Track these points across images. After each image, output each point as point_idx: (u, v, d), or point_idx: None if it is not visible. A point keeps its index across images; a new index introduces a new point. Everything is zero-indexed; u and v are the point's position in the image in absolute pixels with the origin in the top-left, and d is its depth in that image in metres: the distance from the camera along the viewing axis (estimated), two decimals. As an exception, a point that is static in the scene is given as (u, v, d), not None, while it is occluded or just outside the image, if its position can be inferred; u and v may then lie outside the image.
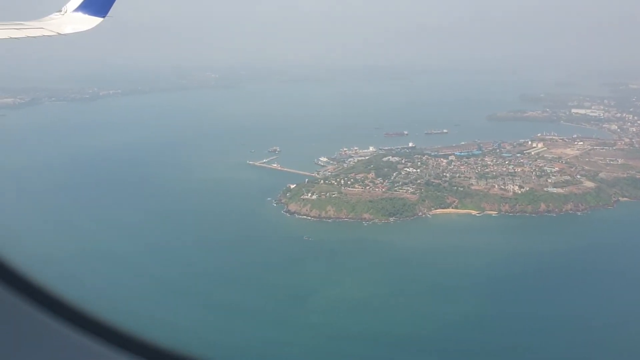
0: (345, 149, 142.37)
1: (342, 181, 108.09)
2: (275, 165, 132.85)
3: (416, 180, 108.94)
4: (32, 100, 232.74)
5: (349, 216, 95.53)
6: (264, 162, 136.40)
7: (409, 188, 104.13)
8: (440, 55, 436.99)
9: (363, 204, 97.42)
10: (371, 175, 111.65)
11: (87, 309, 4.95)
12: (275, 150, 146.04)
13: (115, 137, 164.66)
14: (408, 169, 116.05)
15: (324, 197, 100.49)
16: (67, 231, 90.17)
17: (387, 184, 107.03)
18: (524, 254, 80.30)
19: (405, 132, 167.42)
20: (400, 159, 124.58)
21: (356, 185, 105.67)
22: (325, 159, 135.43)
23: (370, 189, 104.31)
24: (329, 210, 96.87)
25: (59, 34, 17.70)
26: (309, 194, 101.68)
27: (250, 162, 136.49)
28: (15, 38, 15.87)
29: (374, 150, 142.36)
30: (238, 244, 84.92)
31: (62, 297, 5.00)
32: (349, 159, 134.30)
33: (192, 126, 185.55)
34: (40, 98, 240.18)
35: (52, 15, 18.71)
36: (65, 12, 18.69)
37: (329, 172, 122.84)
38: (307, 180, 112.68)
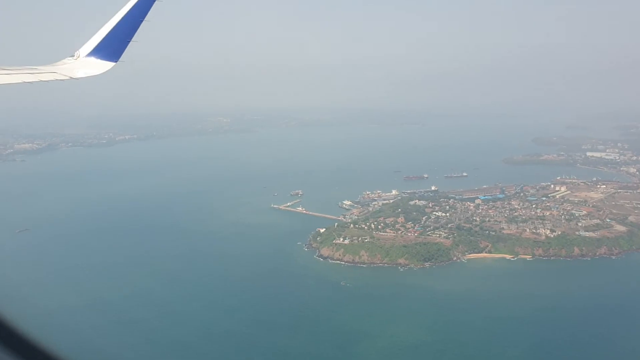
0: (368, 193, 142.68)
1: (373, 225, 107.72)
2: (300, 208, 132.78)
3: (447, 225, 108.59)
4: (50, 146, 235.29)
5: (383, 261, 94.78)
6: (288, 206, 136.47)
7: (441, 232, 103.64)
8: (448, 99, 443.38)
9: (397, 249, 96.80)
10: (401, 219, 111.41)
11: None
12: (297, 194, 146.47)
13: (137, 183, 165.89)
14: (437, 213, 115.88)
15: (356, 241, 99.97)
16: (105, 277, 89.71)
17: (419, 228, 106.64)
18: (570, 298, 79.23)
19: (425, 176, 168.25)
20: (426, 202, 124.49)
21: (387, 230, 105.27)
22: (349, 203, 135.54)
23: (402, 233, 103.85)
24: (363, 255, 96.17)
25: (72, 78, 17.66)
26: (341, 239, 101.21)
27: (275, 206, 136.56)
28: (28, 82, 15.86)
29: (397, 193, 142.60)
30: (277, 290, 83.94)
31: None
32: (373, 203, 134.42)
33: (212, 171, 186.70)
34: (57, 143, 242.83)
35: (65, 60, 18.81)
36: (78, 56, 18.76)
37: (354, 215, 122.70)
38: (336, 224, 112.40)
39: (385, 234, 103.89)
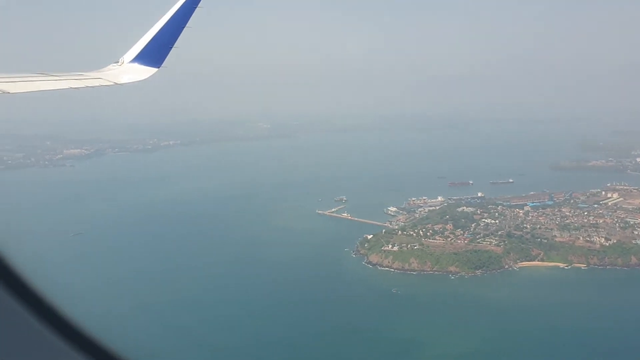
0: (413, 199, 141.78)
1: (421, 232, 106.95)
2: (345, 214, 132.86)
3: (497, 232, 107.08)
4: (97, 152, 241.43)
5: (433, 269, 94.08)
6: (333, 212, 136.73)
7: (491, 240, 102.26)
8: (484, 103, 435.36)
9: (447, 257, 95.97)
10: (449, 226, 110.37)
11: None
12: (341, 200, 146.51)
13: (183, 188, 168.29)
14: (486, 220, 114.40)
15: (405, 248, 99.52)
16: (155, 282, 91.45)
17: (468, 235, 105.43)
18: (631, 309, 77.14)
19: (470, 182, 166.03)
20: (474, 209, 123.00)
21: (436, 237, 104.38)
22: (394, 209, 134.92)
23: (452, 240, 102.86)
24: (413, 263, 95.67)
25: (116, 83, 18.11)
26: (390, 245, 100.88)
27: (320, 212, 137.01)
28: (75, 88, 16.30)
29: (443, 200, 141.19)
30: (326, 297, 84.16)
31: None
32: (419, 209, 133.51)
33: (256, 176, 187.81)
34: (104, 149, 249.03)
35: (110, 66, 19.32)
36: (123, 62, 19.31)
37: (401, 222, 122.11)
38: (383, 231, 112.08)
39: (435, 241, 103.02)
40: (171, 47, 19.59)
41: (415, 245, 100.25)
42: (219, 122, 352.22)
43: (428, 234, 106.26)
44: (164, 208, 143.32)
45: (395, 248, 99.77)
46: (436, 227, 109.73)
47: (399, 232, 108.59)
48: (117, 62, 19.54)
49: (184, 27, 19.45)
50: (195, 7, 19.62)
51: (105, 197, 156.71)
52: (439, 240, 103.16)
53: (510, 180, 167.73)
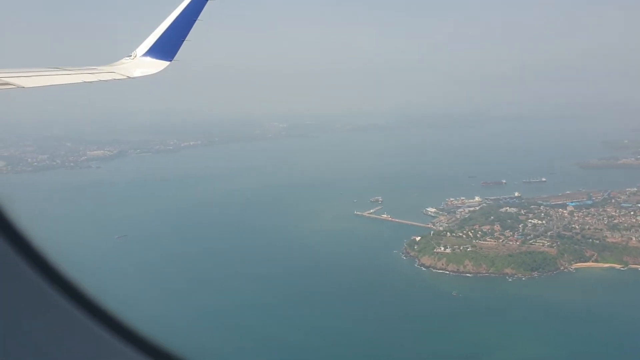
0: (452, 199, 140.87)
1: (470, 233, 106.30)
2: (385, 215, 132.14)
3: (546, 233, 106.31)
4: (120, 153, 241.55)
5: (489, 271, 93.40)
6: (372, 213, 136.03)
7: (543, 241, 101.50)
8: (501, 102, 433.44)
9: (502, 258, 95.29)
10: (496, 227, 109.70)
11: None
12: (377, 200, 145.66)
13: (213, 189, 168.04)
14: (532, 221, 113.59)
15: (458, 250, 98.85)
16: (202, 284, 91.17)
17: (519, 236, 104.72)
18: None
19: (503, 181, 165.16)
20: (517, 209, 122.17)
21: (487, 238, 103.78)
22: (433, 210, 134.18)
23: (503, 242, 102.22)
24: (467, 265, 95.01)
25: (129, 77, 18.25)
26: (442, 247, 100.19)
27: (358, 213, 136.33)
28: (88, 82, 16.38)
29: (480, 200, 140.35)
30: (385, 300, 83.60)
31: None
32: (459, 210, 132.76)
33: (282, 176, 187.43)
34: (126, 150, 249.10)
35: (123, 60, 19.47)
36: (135, 56, 19.48)
37: (444, 223, 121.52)
38: (432, 232, 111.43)
39: (486, 242, 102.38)
40: (183, 41, 19.84)
41: (467, 247, 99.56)
42: (235, 122, 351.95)
43: (478, 235, 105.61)
44: (202, 210, 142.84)
45: (448, 250, 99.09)
46: (484, 228, 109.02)
47: (447, 233, 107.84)
48: (130, 56, 19.69)
49: (195, 20, 19.66)
50: (207, 1, 19.86)
51: (139, 198, 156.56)
52: (490, 242, 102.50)
53: (543, 179, 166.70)
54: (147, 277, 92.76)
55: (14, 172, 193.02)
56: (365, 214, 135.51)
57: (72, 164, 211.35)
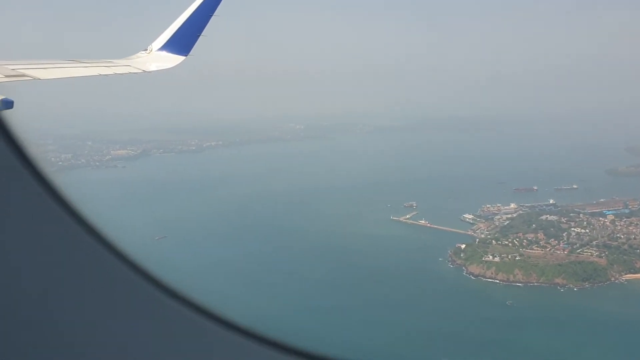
0: (488, 206, 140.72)
1: (516, 242, 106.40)
2: (422, 221, 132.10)
3: (591, 242, 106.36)
4: (143, 152, 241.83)
5: (540, 280, 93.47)
6: (408, 218, 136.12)
7: (591, 251, 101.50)
8: (518, 105, 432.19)
9: (552, 268, 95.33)
10: (540, 235, 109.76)
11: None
12: (412, 206, 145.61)
13: (242, 190, 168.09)
14: (575, 229, 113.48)
15: (506, 259, 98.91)
16: (250, 287, 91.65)
17: (565, 246, 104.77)
18: None
19: (535, 188, 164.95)
20: (557, 217, 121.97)
21: (534, 247, 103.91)
22: (470, 216, 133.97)
23: (551, 251, 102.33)
24: (517, 274, 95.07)
25: (144, 71, 18.35)
26: (490, 256, 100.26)
27: (394, 218, 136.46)
28: (104, 75, 16.48)
29: (516, 207, 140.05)
30: (447, 310, 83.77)
31: None
32: (496, 217, 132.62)
33: (309, 179, 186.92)
34: (149, 150, 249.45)
35: (139, 54, 19.61)
36: (151, 50, 19.58)
37: (483, 230, 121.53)
38: (477, 240, 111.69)
39: (533, 251, 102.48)
40: (199, 36, 19.94)
41: (515, 256, 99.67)
42: (250, 122, 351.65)
43: (523, 243, 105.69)
44: (236, 212, 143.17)
45: (497, 259, 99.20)
46: (528, 237, 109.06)
47: (493, 241, 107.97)
48: (146, 49, 19.74)
49: (211, 16, 19.73)
50: None
51: (170, 199, 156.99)
52: (537, 251, 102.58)
53: (574, 187, 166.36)
54: (204, 280, 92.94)
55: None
56: (402, 219, 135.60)
57: (97, 163, 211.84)
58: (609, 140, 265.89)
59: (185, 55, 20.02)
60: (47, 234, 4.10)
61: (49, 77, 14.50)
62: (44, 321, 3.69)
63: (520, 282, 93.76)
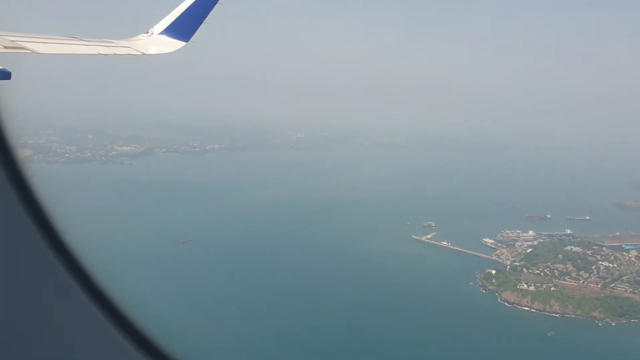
0: (507, 232, 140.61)
1: (546, 271, 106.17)
2: (445, 243, 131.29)
3: (621, 277, 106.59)
4: (147, 150, 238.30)
5: (576, 313, 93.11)
6: (429, 238, 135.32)
7: (624, 286, 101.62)
8: (517, 130, 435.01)
9: (589, 301, 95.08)
10: (569, 266, 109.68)
11: None
12: (430, 225, 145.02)
13: (253, 197, 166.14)
14: (603, 263, 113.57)
15: (542, 289, 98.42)
16: (273, 301, 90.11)
17: (597, 279, 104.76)
18: None
19: (548, 216, 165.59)
20: (582, 249, 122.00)
21: (566, 278, 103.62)
22: (491, 241, 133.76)
23: (584, 283, 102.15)
24: (554, 305, 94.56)
25: (144, 54, 18.19)
26: (525, 284, 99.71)
27: (416, 237, 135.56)
28: (103, 55, 16.28)
29: (534, 234, 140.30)
30: (488, 339, 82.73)
31: None
32: (516, 243, 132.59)
33: (319, 189, 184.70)
34: (152, 148, 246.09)
35: (140, 36, 19.43)
36: (152, 33, 19.46)
37: (509, 257, 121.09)
38: (508, 267, 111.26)
39: (566, 282, 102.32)
40: (201, 22, 19.83)
41: (550, 287, 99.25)
42: (250, 127, 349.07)
43: (555, 274, 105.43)
44: (251, 219, 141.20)
45: (532, 287, 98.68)
46: (558, 267, 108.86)
47: (524, 269, 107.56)
48: (147, 32, 19.60)
49: (215, 3, 19.70)
50: None
51: (183, 200, 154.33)
52: (570, 282, 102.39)
53: (587, 218, 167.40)
54: (239, 290, 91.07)
55: (46, 162, 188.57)
56: (424, 239, 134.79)
57: (103, 158, 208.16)
58: (611, 173, 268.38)
59: (186, 41, 19.79)
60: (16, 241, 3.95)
61: (47, 52, 14.19)
62: None
63: (557, 313, 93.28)
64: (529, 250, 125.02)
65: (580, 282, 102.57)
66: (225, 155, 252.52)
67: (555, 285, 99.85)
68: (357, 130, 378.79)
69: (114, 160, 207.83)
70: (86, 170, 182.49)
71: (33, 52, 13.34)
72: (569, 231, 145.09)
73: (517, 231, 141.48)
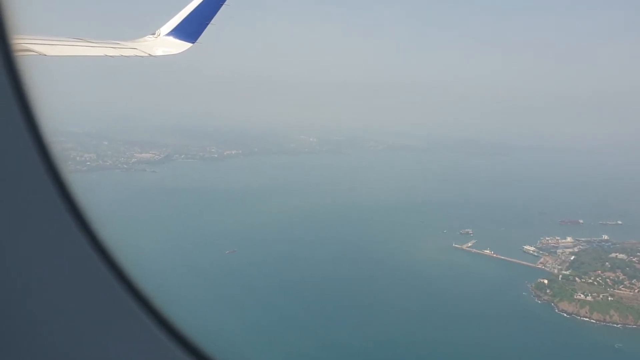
0: (547, 238, 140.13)
1: (600, 280, 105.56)
2: (487, 251, 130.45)
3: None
4: (167, 157, 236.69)
5: (637, 323, 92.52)
6: (470, 247, 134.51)
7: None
8: (524, 131, 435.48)
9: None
10: (619, 274, 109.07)
11: None
12: (468, 233, 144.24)
13: (285, 203, 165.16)
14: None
15: (599, 299, 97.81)
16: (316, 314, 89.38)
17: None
18: None
19: (580, 221, 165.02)
20: (627, 256, 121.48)
21: (621, 287, 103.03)
22: (532, 248, 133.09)
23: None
24: (613, 315, 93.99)
25: (150, 55, 18.28)
26: (582, 294, 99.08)
27: (456, 245, 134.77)
28: (110, 56, 16.36)
29: (573, 241, 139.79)
30: (556, 353, 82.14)
31: None
32: (558, 250, 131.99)
33: (343, 196, 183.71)
34: (172, 154, 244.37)
35: (146, 38, 19.44)
36: (159, 35, 19.47)
37: (555, 265, 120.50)
38: (560, 277, 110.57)
39: (621, 291, 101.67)
40: (207, 24, 19.84)
41: (608, 296, 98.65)
42: (262, 131, 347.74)
43: (608, 282, 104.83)
44: (290, 226, 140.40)
45: (589, 297, 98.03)
46: (610, 276, 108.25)
47: (577, 278, 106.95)
48: (154, 34, 19.59)
49: (222, 4, 19.75)
50: None
51: (216, 209, 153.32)
52: (625, 291, 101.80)
53: (619, 222, 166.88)
54: (294, 302, 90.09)
55: (69, 171, 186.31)
56: (464, 247, 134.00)
57: (125, 166, 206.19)
58: (622, 172, 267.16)
59: (193, 43, 19.75)
60: (51, 236, 3.88)
61: (55, 54, 14.13)
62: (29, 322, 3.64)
63: (617, 324, 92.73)
64: (572, 257, 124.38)
65: (636, 291, 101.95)
66: (243, 161, 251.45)
67: (611, 295, 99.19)
68: (366, 133, 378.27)
69: (135, 168, 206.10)
70: (110, 178, 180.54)
71: (40, 54, 13.37)
72: (605, 237, 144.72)
73: (557, 238, 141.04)
